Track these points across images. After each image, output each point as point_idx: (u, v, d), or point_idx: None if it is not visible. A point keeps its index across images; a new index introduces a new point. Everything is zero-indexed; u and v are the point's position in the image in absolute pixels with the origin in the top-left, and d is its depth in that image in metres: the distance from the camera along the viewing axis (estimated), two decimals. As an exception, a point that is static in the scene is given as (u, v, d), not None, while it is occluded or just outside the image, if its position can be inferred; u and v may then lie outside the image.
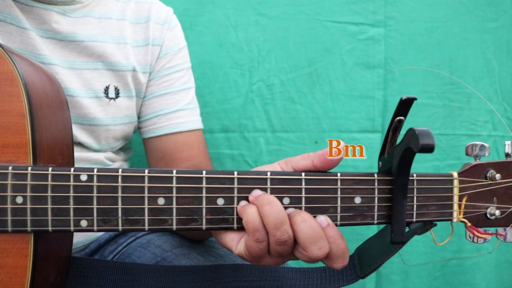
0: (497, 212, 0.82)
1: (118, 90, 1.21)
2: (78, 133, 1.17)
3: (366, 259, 0.87)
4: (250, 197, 0.77)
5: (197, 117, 1.36)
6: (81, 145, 1.19)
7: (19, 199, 0.74)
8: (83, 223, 0.75)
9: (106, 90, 1.19)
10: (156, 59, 1.29)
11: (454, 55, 1.67)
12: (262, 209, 0.75)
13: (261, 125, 1.65)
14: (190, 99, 1.35)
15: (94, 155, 1.21)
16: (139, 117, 1.32)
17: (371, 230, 1.61)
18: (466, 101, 1.67)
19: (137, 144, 1.41)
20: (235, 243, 0.81)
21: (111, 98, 1.20)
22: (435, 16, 1.66)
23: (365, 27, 1.65)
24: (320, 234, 0.75)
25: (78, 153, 1.17)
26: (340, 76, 1.65)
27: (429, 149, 0.66)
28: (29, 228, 0.75)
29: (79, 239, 1.20)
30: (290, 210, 0.78)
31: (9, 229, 0.74)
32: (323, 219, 0.77)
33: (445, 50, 1.67)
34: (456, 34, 1.66)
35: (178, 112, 1.31)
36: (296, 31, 1.65)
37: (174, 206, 0.76)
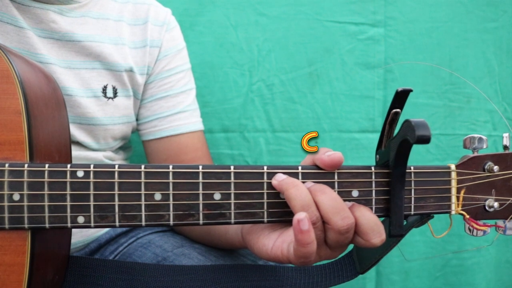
0: (496, 204, 0.82)
1: (116, 90, 1.21)
2: (77, 133, 1.16)
3: (365, 254, 0.87)
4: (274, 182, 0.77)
5: (198, 119, 1.36)
6: (79, 144, 1.18)
7: (16, 196, 0.74)
8: (80, 219, 0.75)
9: (104, 89, 1.19)
10: (155, 61, 1.29)
11: (454, 55, 1.67)
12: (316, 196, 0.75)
13: (261, 125, 1.65)
14: (190, 101, 1.34)
15: (93, 154, 1.21)
16: (139, 119, 1.31)
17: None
18: (466, 101, 1.67)
19: (137, 144, 1.41)
20: (270, 245, 0.80)
21: (109, 98, 1.20)
22: (435, 16, 1.66)
23: (365, 27, 1.65)
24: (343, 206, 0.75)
25: (77, 152, 1.17)
26: (340, 76, 1.65)
27: (425, 140, 0.66)
28: (26, 225, 0.75)
29: (79, 238, 1.20)
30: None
31: (6, 226, 0.74)
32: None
33: (445, 50, 1.67)
34: (456, 34, 1.66)
35: (179, 114, 1.31)
36: (296, 31, 1.65)
37: (171, 201, 0.75)
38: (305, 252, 0.73)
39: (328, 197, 0.74)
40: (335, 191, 0.78)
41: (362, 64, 1.65)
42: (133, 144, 1.42)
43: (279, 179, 0.77)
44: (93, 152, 1.21)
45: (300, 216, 0.72)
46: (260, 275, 1.00)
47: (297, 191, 0.75)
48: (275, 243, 0.79)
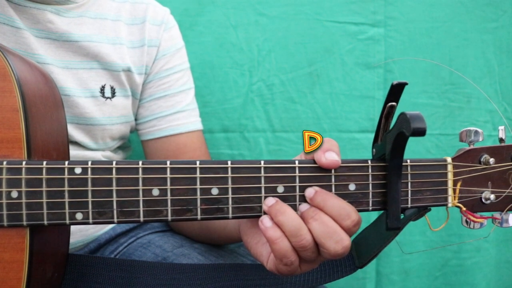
0: (492, 197, 0.82)
1: (114, 90, 1.21)
2: (75, 133, 1.16)
3: (364, 249, 0.87)
4: (264, 207, 0.78)
5: (197, 118, 1.35)
6: (78, 144, 1.18)
7: (14, 194, 0.74)
8: (79, 216, 0.75)
9: (102, 89, 1.19)
10: (154, 60, 1.28)
11: (454, 55, 1.67)
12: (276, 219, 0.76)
13: (261, 125, 1.65)
14: (189, 100, 1.34)
15: (92, 154, 1.20)
16: (137, 119, 1.31)
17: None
18: (466, 101, 1.66)
19: (137, 144, 1.41)
20: (265, 258, 0.82)
21: (107, 98, 1.20)
22: (435, 16, 1.66)
23: (365, 27, 1.65)
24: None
25: (75, 151, 1.17)
26: (340, 76, 1.65)
27: (420, 132, 0.66)
28: (24, 222, 0.75)
29: (78, 238, 1.20)
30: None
31: (5, 223, 0.75)
32: (310, 189, 0.78)
33: (445, 50, 1.67)
34: (456, 34, 1.66)
35: (178, 114, 1.30)
36: (296, 31, 1.65)
37: (169, 197, 0.75)
38: (281, 255, 0.77)
39: (319, 223, 0.76)
40: (332, 184, 0.78)
41: (362, 64, 1.65)
42: (133, 144, 1.42)
43: (269, 204, 0.78)
44: (91, 152, 1.21)
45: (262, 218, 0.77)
46: (259, 274, 1.00)
47: (284, 217, 0.76)
48: (270, 257, 0.82)
